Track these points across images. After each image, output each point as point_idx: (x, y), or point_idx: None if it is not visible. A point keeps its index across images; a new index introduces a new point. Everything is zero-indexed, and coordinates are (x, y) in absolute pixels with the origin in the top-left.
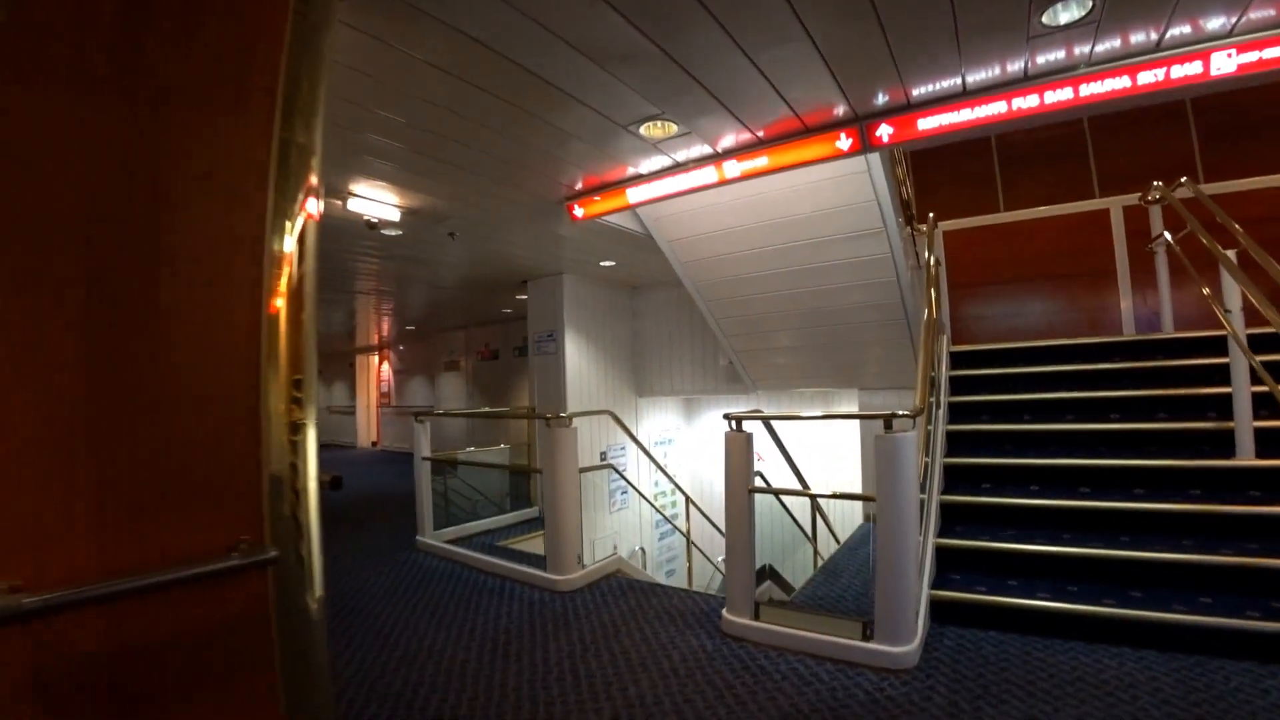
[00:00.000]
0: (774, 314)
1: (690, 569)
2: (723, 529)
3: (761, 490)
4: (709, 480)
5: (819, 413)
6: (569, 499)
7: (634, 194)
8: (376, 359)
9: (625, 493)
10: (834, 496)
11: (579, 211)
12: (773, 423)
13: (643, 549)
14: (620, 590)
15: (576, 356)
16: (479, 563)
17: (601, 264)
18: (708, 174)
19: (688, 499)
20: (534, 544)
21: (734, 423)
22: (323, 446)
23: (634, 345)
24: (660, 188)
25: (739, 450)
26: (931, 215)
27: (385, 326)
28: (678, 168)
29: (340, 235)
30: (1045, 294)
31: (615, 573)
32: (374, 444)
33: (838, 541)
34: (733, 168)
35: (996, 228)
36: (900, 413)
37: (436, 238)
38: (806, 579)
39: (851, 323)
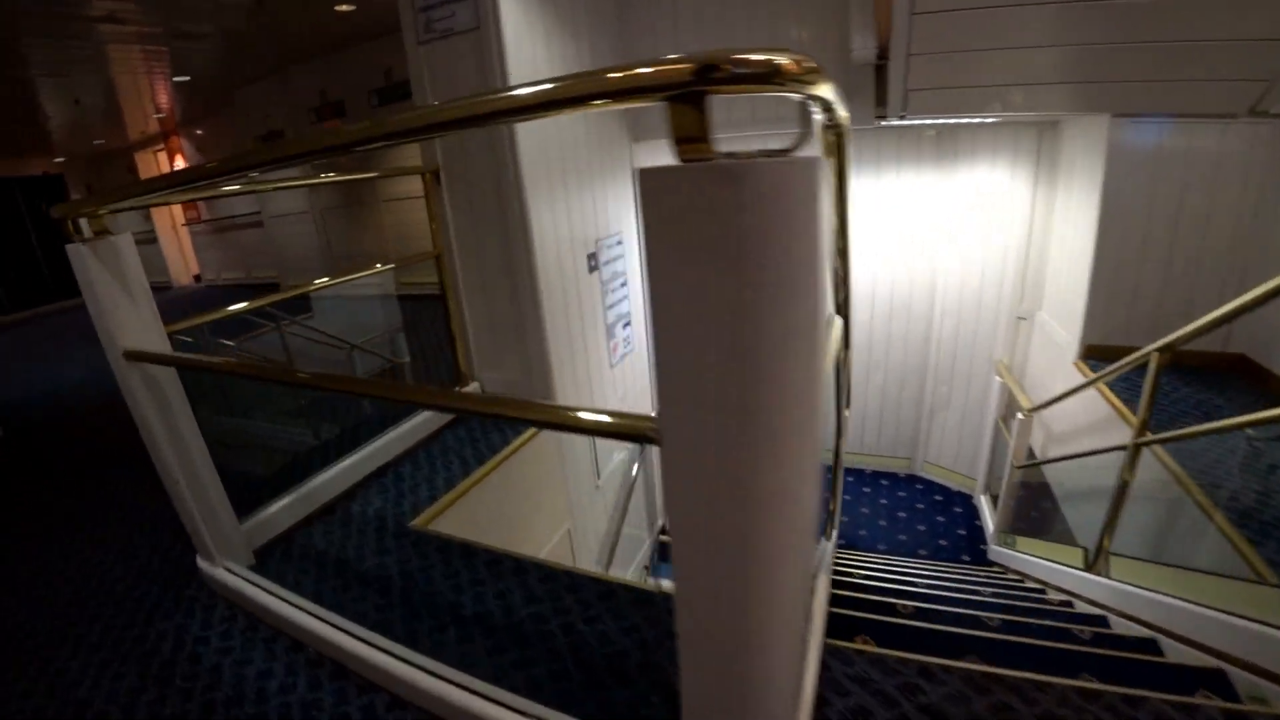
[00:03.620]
0: None
1: None
2: None
3: None
4: None
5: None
6: None
7: None
8: (165, 155)
9: (628, 325)
10: None
11: None
12: None
13: None
14: None
15: (528, 37)
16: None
17: None
18: None
19: None
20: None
21: None
22: None
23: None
24: None
25: None
26: None
27: (160, 95)
28: None
29: None
30: None
31: None
32: (196, 278)
33: None
34: None
35: None
36: None
37: None
38: None
39: None
